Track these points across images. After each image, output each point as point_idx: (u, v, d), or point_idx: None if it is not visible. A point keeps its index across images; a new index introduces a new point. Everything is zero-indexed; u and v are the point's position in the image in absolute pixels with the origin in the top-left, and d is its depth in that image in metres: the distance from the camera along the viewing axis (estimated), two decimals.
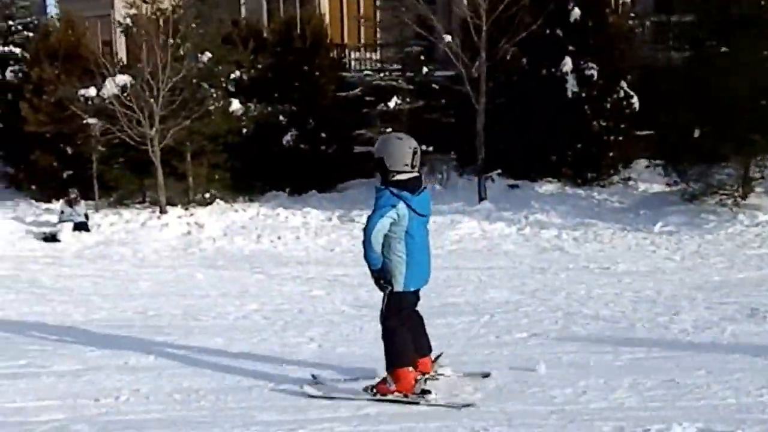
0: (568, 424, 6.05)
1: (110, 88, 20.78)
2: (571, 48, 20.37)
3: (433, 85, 20.24)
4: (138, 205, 22.64)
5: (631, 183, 20.35)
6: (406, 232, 6.39)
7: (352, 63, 24.37)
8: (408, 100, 19.63)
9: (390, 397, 6.46)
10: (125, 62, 25.69)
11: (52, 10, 29.91)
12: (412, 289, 6.54)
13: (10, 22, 25.87)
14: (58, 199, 23.05)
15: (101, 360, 8.49)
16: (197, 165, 21.63)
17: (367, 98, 19.77)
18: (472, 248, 16.94)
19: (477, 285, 12.52)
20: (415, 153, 6.47)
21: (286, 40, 22.86)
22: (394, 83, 19.46)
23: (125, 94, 20.44)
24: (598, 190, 20.22)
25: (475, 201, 19.65)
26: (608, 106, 20.35)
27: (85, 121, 21.10)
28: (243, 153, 21.55)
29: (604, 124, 20.26)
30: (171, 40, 20.26)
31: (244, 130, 21.44)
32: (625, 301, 10.86)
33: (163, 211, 20.71)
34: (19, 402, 7.07)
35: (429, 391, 6.45)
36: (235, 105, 21.24)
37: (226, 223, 20.18)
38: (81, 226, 19.79)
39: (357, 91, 20.14)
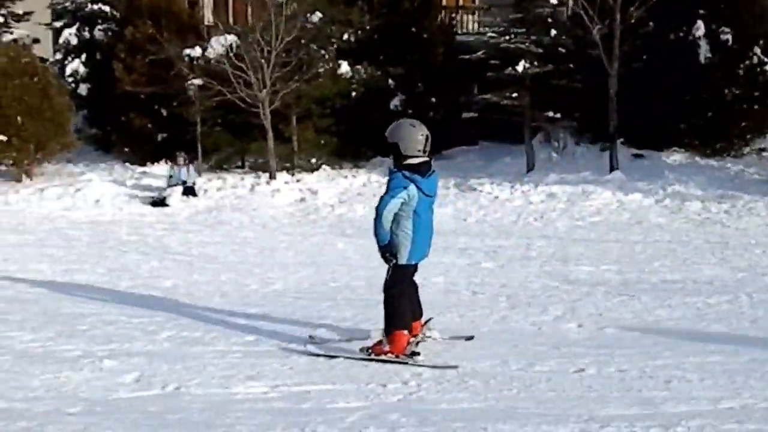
0: None
1: (217, 47, 19.97)
2: (701, 12, 19.32)
3: (560, 49, 19.21)
4: (238, 170, 21.94)
5: (765, 154, 19.37)
6: (414, 211, 6.85)
7: (470, 24, 23.32)
8: (536, 63, 18.61)
9: (383, 357, 6.96)
10: (211, 21, 24.94)
11: None
12: (413, 262, 7.07)
13: None
14: (152, 162, 22.45)
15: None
16: (303, 129, 20.83)
17: (492, 62, 18.74)
18: (614, 220, 16.24)
19: (681, 260, 11.70)
20: (426, 139, 6.86)
21: (392, 1, 21.87)
22: (522, 46, 18.41)
23: (231, 54, 19.62)
24: (731, 161, 19.29)
25: (604, 170, 18.74)
26: (741, 73, 19.30)
27: (189, 82, 20.29)
28: (349, 117, 20.70)
29: (737, 92, 19.23)
30: None
31: (353, 94, 20.54)
32: None
33: (272, 177, 19.95)
34: (308, 386, 6.31)
35: (418, 353, 6.92)
36: (345, 67, 20.35)
37: (339, 190, 19.44)
38: (189, 191, 19.12)
39: (480, 53, 19.12)
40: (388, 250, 6.90)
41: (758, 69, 19.37)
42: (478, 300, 9.47)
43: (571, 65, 19.23)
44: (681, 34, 19.52)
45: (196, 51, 20.17)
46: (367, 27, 20.86)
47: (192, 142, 21.61)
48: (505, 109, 18.87)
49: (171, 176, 19.21)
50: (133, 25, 22.82)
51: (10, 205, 18.97)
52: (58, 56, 24.51)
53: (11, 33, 24.93)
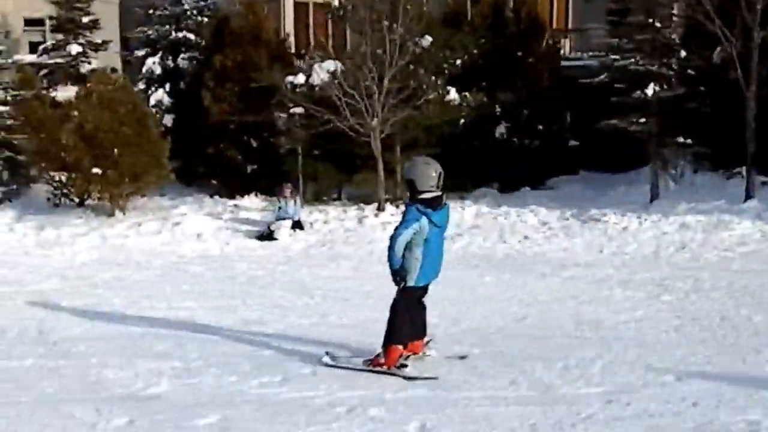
0: None
1: (320, 74, 19.16)
2: None
3: (689, 71, 18.21)
4: (335, 202, 21.06)
5: None
6: (425, 240, 7.52)
7: (569, 46, 22.48)
8: (665, 86, 17.64)
9: (377, 369, 7.70)
10: (294, 46, 24.14)
11: None
12: (421, 285, 7.73)
13: (185, 6, 24.16)
14: (242, 195, 21.60)
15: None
16: (407, 159, 19.89)
17: (617, 85, 17.79)
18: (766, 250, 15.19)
19: None
20: (439, 176, 7.57)
21: (497, 24, 21.06)
22: (653, 68, 17.44)
23: (336, 81, 18.81)
24: None
25: (735, 199, 17.70)
26: None
27: (290, 111, 19.48)
28: (455, 146, 19.78)
29: None
30: (387, 23, 18.62)
31: (462, 121, 19.66)
32: None
33: (380, 208, 19.05)
34: None
35: (406, 366, 7.64)
36: (453, 94, 19.48)
37: (452, 222, 18.42)
38: (296, 224, 18.21)
39: (603, 77, 18.18)
40: (398, 274, 7.60)
41: None
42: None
43: (702, 88, 18.17)
44: None
45: (299, 78, 19.34)
46: (474, 51, 19.96)
47: (283, 174, 20.79)
48: (633, 136, 17.90)
49: (280, 208, 18.29)
50: (222, 53, 22.11)
51: (107, 239, 18.07)
52: (141, 86, 23.77)
53: (89, 63, 24.29)
